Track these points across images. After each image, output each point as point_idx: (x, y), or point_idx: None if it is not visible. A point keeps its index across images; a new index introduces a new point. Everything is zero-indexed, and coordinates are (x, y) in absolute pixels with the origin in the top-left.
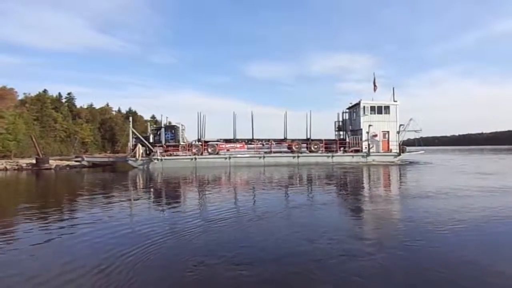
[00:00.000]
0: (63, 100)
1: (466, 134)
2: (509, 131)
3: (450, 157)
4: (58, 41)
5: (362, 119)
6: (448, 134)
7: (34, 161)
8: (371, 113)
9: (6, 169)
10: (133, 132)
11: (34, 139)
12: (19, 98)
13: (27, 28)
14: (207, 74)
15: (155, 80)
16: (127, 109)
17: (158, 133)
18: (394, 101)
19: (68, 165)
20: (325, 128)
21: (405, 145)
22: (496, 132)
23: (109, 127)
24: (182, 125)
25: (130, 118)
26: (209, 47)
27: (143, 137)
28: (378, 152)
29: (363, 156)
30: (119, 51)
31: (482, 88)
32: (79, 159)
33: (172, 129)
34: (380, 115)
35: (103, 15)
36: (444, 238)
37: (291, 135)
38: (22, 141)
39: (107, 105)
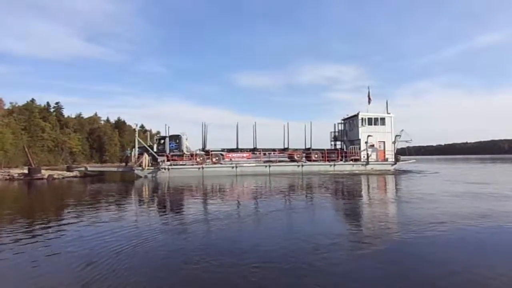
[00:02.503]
0: (51, 110)
1: (452, 144)
2: (492, 141)
3: (439, 166)
4: (45, 50)
5: (360, 130)
6: (434, 144)
7: (26, 171)
8: (368, 125)
9: None
10: (139, 141)
11: (26, 149)
12: (5, 107)
13: (14, 37)
14: (196, 83)
15: (143, 90)
16: (116, 119)
17: (162, 142)
18: (388, 113)
19: (63, 176)
20: (317, 137)
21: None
22: (480, 142)
23: (97, 136)
24: (184, 135)
25: (136, 128)
26: (198, 57)
27: (145, 147)
28: (377, 161)
29: (362, 165)
30: (107, 60)
31: (466, 99)
32: (82, 168)
33: (176, 138)
34: (377, 126)
35: (92, 24)
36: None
37: (282, 145)
38: (10, 151)
39: (96, 114)
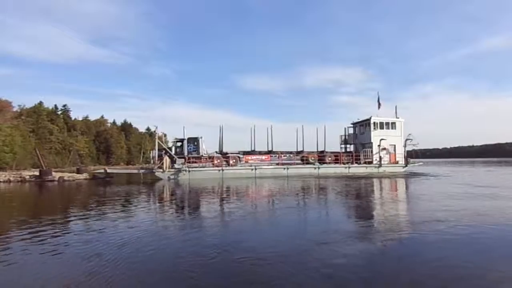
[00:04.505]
0: (59, 112)
1: (458, 147)
2: (498, 144)
3: (447, 169)
4: (53, 53)
5: (372, 133)
6: (440, 147)
7: (37, 173)
8: (380, 129)
9: (9, 181)
10: (159, 143)
11: (38, 152)
12: (14, 109)
13: (22, 40)
14: (202, 86)
15: (149, 93)
16: (122, 121)
17: (180, 145)
18: (397, 117)
19: (74, 178)
20: (321, 140)
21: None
22: (486, 145)
23: (104, 139)
24: (202, 137)
25: (156, 131)
26: (203, 60)
27: (163, 149)
28: (389, 164)
29: (375, 167)
30: (114, 63)
31: (472, 102)
32: (101, 170)
33: (194, 141)
34: (388, 130)
35: (98, 28)
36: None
37: (284, 147)
38: (18, 153)
39: (102, 117)
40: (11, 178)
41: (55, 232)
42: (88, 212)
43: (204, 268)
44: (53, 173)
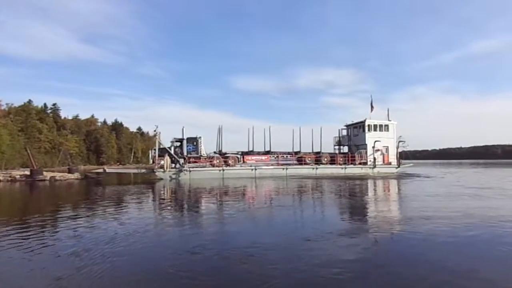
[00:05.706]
0: (48, 111)
1: (446, 148)
2: (485, 146)
3: (437, 170)
4: (43, 51)
5: (367, 135)
6: (429, 148)
7: (28, 173)
8: (374, 131)
9: None
10: (159, 143)
11: (29, 151)
12: (2, 108)
13: (11, 38)
14: (194, 87)
15: (141, 92)
16: (113, 121)
17: (179, 145)
18: (389, 120)
19: (65, 178)
20: (315, 140)
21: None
22: (474, 147)
23: (94, 138)
24: (200, 137)
25: (158, 131)
26: (196, 61)
27: (162, 149)
28: (382, 165)
29: (370, 168)
30: (105, 62)
31: (461, 104)
32: (100, 170)
33: (194, 141)
34: (382, 132)
35: (90, 26)
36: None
37: (279, 148)
38: (7, 152)
39: (93, 116)
40: (1, 178)
41: (48, 229)
42: (81, 211)
43: (195, 264)
44: (44, 172)
